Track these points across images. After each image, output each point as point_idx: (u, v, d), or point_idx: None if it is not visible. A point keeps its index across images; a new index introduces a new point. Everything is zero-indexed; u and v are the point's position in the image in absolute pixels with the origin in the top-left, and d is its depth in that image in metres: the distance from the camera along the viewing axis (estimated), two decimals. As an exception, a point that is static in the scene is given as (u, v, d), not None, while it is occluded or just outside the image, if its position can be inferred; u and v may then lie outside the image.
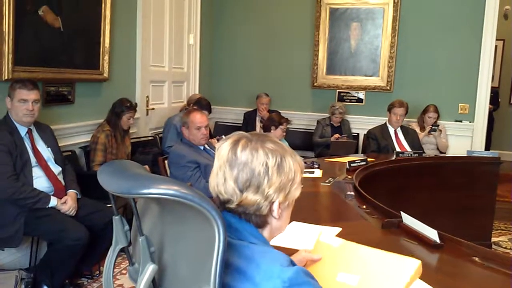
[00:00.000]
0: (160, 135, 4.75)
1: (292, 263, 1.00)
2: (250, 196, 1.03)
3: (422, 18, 5.40)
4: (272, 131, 4.09)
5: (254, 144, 1.05)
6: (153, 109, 4.82)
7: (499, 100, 7.88)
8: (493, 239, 4.19)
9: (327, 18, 5.68)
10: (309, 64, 5.80)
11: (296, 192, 1.10)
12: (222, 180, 1.05)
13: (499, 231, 4.48)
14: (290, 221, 2.02)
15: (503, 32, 7.16)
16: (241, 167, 1.03)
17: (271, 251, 1.00)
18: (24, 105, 2.73)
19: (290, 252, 1.19)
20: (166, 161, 3.30)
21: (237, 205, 1.04)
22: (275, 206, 1.06)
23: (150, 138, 4.65)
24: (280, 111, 5.25)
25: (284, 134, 4.26)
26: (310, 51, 5.77)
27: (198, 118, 3.23)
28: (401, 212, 2.06)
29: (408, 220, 2.00)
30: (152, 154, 4.13)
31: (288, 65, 5.91)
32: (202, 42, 5.72)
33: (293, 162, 1.08)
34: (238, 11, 6.01)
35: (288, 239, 1.86)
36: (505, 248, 4.14)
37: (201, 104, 4.39)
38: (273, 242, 1.13)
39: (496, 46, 5.96)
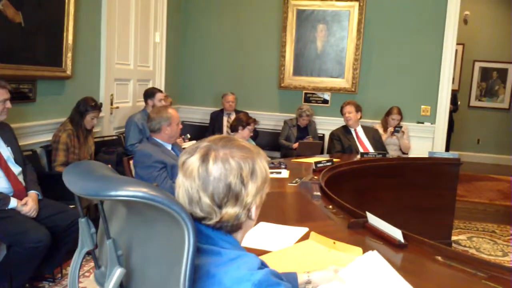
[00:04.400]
0: (124, 134, 4.66)
1: (263, 265, 0.99)
2: (230, 210, 1.01)
3: (386, 21, 5.52)
4: (239, 131, 4.08)
5: (223, 154, 1.02)
6: (117, 107, 4.73)
7: (458, 102, 8.16)
8: (453, 237, 4.33)
9: (294, 19, 5.72)
10: (276, 65, 5.83)
11: (268, 188, 1.10)
12: (196, 198, 1.00)
13: (459, 229, 4.63)
14: (258, 222, 2.04)
15: (463, 36, 7.42)
16: (216, 183, 1.00)
17: (242, 255, 0.99)
18: (3, 105, 2.70)
19: (258, 253, 1.18)
20: (131, 161, 3.24)
21: (217, 222, 1.02)
22: (253, 210, 1.06)
23: (114, 137, 4.56)
24: (248, 112, 5.26)
25: (251, 134, 4.26)
26: (277, 52, 5.80)
27: (176, 112, 3.22)
28: (367, 212, 2.09)
29: (373, 220, 2.03)
30: (116, 154, 4.04)
31: (255, 66, 5.93)
32: (169, 40, 5.65)
33: (262, 162, 1.07)
34: (205, 10, 5.98)
35: (256, 240, 1.86)
36: (464, 246, 4.29)
37: None
38: (242, 244, 1.13)
39: (456, 50, 6.17)
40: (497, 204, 5.90)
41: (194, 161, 1.02)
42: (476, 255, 3.96)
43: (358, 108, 4.63)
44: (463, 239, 4.47)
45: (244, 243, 1.13)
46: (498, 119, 8.59)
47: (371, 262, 1.25)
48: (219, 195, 1.00)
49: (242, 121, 4.14)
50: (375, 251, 1.27)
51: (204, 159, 1.01)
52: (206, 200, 1.00)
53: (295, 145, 5.20)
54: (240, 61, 5.96)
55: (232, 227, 1.05)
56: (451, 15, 5.34)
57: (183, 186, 1.02)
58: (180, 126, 3.24)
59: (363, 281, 1.24)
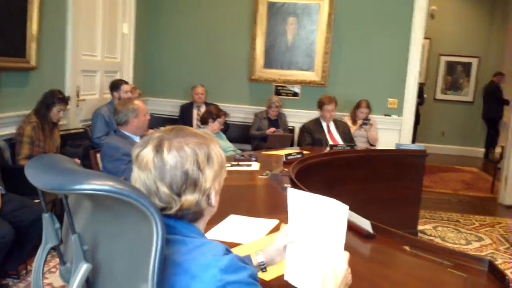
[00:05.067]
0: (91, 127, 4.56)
1: (228, 251, 1.00)
2: (189, 197, 1.01)
3: (356, 15, 5.58)
4: (209, 124, 4.06)
5: (177, 143, 1.02)
6: (84, 100, 4.62)
7: (425, 95, 8.34)
8: (419, 227, 4.44)
9: (265, 12, 5.71)
10: (246, 57, 5.81)
11: (225, 173, 1.11)
12: (154, 189, 1.00)
13: (424, 219, 4.75)
14: (228, 215, 2.03)
15: (430, 30, 7.58)
16: (173, 171, 1.00)
17: (207, 243, 1.00)
18: None
19: (229, 245, 1.18)
20: (97, 154, 3.18)
21: (177, 210, 1.02)
22: (212, 196, 1.06)
23: (80, 130, 4.45)
24: (218, 104, 5.22)
25: (222, 127, 4.25)
26: (248, 44, 5.78)
27: (142, 104, 3.17)
28: (336, 204, 2.11)
29: (342, 211, 2.05)
30: (82, 147, 3.96)
31: (226, 58, 5.89)
32: (137, 31, 5.55)
33: (217, 147, 1.08)
34: (175, 2, 5.89)
35: (226, 232, 1.85)
36: (430, 235, 4.41)
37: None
38: (213, 236, 1.12)
39: (423, 44, 6.30)
40: (461, 194, 6.09)
41: (148, 153, 1.02)
42: (441, 244, 4.08)
43: (337, 104, 4.73)
44: (429, 228, 4.59)
45: (214, 236, 1.13)
46: (463, 111, 8.84)
47: (297, 198, 1.26)
48: (177, 183, 1.00)
49: (212, 113, 4.11)
50: (290, 188, 1.29)
51: (158, 149, 1.01)
52: (164, 189, 1.00)
53: (270, 130, 5.20)
54: (211, 53, 5.91)
55: (194, 215, 1.05)
56: (418, 9, 5.43)
57: (139, 179, 1.02)
58: (148, 117, 3.19)
59: (304, 216, 1.25)
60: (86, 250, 0.87)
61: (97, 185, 0.82)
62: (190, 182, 1.01)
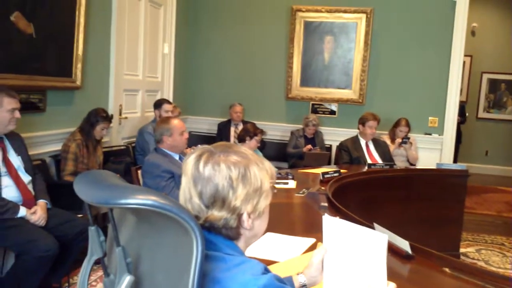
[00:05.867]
0: (133, 145, 4.69)
1: (267, 271, 1.01)
2: (216, 212, 1.03)
3: (393, 33, 5.54)
4: (246, 141, 4.10)
5: (216, 158, 1.04)
6: (126, 118, 4.77)
7: (466, 114, 8.13)
8: (461, 250, 4.29)
9: (302, 31, 5.76)
10: (283, 76, 5.86)
11: (266, 200, 1.09)
12: (188, 196, 1.05)
13: (467, 242, 4.59)
14: (265, 232, 2.04)
15: (471, 48, 7.42)
16: (205, 182, 1.03)
17: (246, 261, 1.01)
18: (12, 114, 2.72)
19: (265, 263, 1.19)
20: (139, 171, 3.26)
21: (204, 221, 1.04)
22: (245, 218, 1.06)
23: (122, 147, 4.59)
24: (255, 122, 5.27)
25: (259, 145, 4.28)
26: (285, 63, 5.84)
27: (179, 123, 3.23)
28: (374, 223, 2.09)
29: (380, 231, 2.03)
30: (124, 164, 4.07)
31: (263, 77, 5.96)
32: (177, 51, 5.71)
33: (259, 171, 1.07)
34: (214, 22, 6.04)
35: (262, 250, 1.86)
36: (473, 258, 4.25)
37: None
38: (249, 253, 1.13)
39: (464, 62, 6.17)
40: (505, 216, 5.85)
41: (190, 160, 1.07)
42: (484, 268, 3.92)
43: (379, 123, 4.70)
44: (472, 251, 4.43)
45: (250, 253, 1.14)
46: (506, 130, 8.54)
47: (333, 226, 1.22)
48: (206, 195, 1.03)
49: (249, 131, 4.15)
50: (325, 215, 1.25)
51: (199, 159, 1.06)
52: (195, 198, 1.04)
53: (307, 147, 5.20)
54: (248, 72, 6.00)
55: (228, 232, 1.06)
56: (458, 27, 5.35)
57: (183, 183, 1.08)
58: (186, 136, 3.24)
59: (341, 245, 1.21)
60: (129, 262, 0.91)
61: (141, 199, 0.85)
62: (218, 197, 1.03)
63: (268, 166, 1.12)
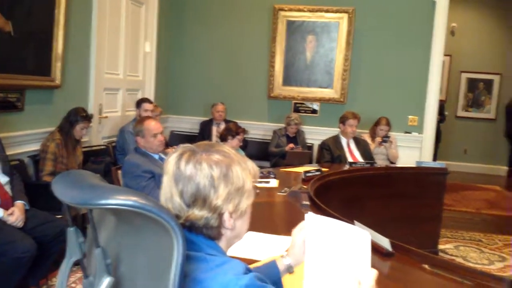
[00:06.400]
0: (113, 144, 4.64)
1: (248, 270, 1.01)
2: (197, 211, 1.03)
3: (375, 32, 5.60)
4: (229, 141, 4.10)
5: (198, 157, 1.04)
6: (106, 117, 4.72)
7: (446, 112, 8.26)
8: (440, 246, 4.36)
9: (284, 30, 5.78)
10: (265, 75, 5.87)
11: (248, 200, 1.09)
12: (169, 195, 1.04)
13: (446, 238, 4.66)
14: (247, 232, 2.04)
15: (450, 47, 7.54)
16: (186, 181, 1.02)
17: (227, 261, 1.01)
18: None
19: (246, 262, 1.19)
20: (119, 171, 3.23)
21: (185, 220, 1.03)
22: (226, 217, 1.05)
23: (102, 147, 4.54)
24: (237, 121, 5.28)
25: (241, 144, 4.28)
26: (267, 62, 5.85)
27: (153, 125, 3.18)
28: (354, 221, 2.11)
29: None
30: (104, 164, 4.03)
31: (245, 76, 5.96)
32: (159, 50, 5.67)
33: (241, 170, 1.07)
34: (195, 21, 6.01)
35: (244, 249, 1.86)
36: (451, 255, 4.32)
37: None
38: (231, 253, 1.13)
39: (444, 61, 6.26)
40: (483, 213, 5.97)
41: (172, 159, 1.06)
42: (463, 264, 3.99)
43: (359, 122, 4.75)
44: (450, 248, 4.50)
45: (231, 252, 1.14)
46: (485, 129, 8.71)
47: (316, 224, 1.23)
48: (187, 193, 1.02)
49: (232, 130, 4.15)
50: (308, 213, 1.26)
51: (180, 157, 1.05)
52: (176, 197, 1.03)
53: (289, 146, 5.22)
54: (230, 71, 5.99)
55: (208, 232, 1.05)
56: (438, 27, 5.43)
57: (164, 182, 1.07)
58: (160, 138, 3.16)
59: (324, 242, 1.21)
60: (109, 263, 0.90)
61: (121, 200, 0.85)
62: (199, 196, 1.02)
63: (251, 165, 1.12)
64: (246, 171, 1.09)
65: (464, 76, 8.81)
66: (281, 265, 1.32)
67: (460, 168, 8.19)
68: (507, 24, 8.48)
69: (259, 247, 1.93)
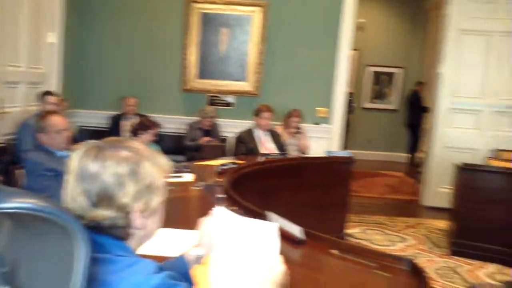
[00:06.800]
0: (14, 142, 4.32)
1: (160, 270, 0.99)
2: (103, 211, 0.99)
3: (288, 27, 5.74)
4: (141, 135, 3.99)
5: (104, 153, 1.00)
6: (6, 112, 4.37)
7: (354, 104, 8.72)
8: (349, 231, 4.61)
9: (198, 22, 5.72)
10: (179, 67, 5.79)
11: (159, 197, 1.07)
12: (73, 195, 0.99)
13: (353, 223, 4.92)
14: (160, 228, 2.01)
15: (359, 42, 7.94)
16: (91, 179, 0.98)
17: (138, 262, 0.99)
18: None
19: (159, 259, 1.18)
20: (19, 170, 3.01)
21: (90, 221, 0.99)
22: (135, 216, 1.02)
23: (2, 145, 4.21)
24: (150, 115, 5.16)
25: (154, 138, 4.19)
26: (180, 54, 5.76)
27: (58, 120, 2.99)
28: (266, 212, 2.17)
29: (274, 219, 2.11)
30: (3, 163, 3.75)
31: (158, 68, 5.83)
32: (65, 41, 5.34)
33: (152, 166, 1.04)
34: (106, 10, 5.75)
35: (157, 246, 1.83)
36: (358, 238, 4.59)
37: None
38: (140, 251, 1.11)
39: (353, 56, 6.58)
40: (386, 198, 6.42)
41: (76, 156, 1.01)
42: (368, 247, 4.27)
43: (273, 114, 4.85)
44: (358, 232, 4.78)
45: (143, 251, 1.12)
46: (388, 119, 9.33)
47: (224, 218, 1.27)
48: (92, 192, 0.98)
49: (144, 125, 4.06)
50: (216, 207, 1.30)
51: (85, 154, 1.00)
52: (80, 197, 0.99)
53: (204, 139, 5.21)
54: (143, 63, 5.83)
55: (116, 232, 1.02)
56: (345, 22, 5.68)
57: (67, 181, 1.01)
58: (64, 134, 3.00)
59: (232, 235, 1.24)
60: (5, 272, 0.84)
61: (18, 203, 0.80)
62: (105, 195, 0.98)
63: (163, 161, 1.10)
64: (156, 167, 1.06)
65: (371, 69, 9.35)
66: (190, 256, 1.31)
67: (366, 157, 8.70)
68: (411, 21, 9.14)
69: (173, 243, 1.91)
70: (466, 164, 4.40)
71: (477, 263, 4.08)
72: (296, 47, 5.76)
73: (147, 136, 4.02)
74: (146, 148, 1.10)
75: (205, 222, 1.31)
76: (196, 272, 1.27)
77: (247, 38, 5.75)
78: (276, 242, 1.18)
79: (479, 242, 4.15)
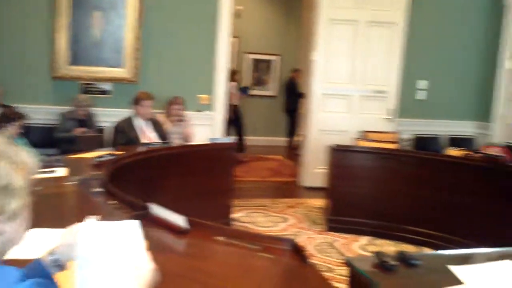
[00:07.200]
0: None
1: (27, 277, 0.90)
2: None
3: (166, 12, 5.58)
4: (5, 128, 3.61)
5: None
6: None
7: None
8: (235, 215, 4.71)
9: (68, 4, 5.29)
10: (47, 53, 5.32)
11: (20, 199, 0.95)
12: None
13: (239, 207, 5.03)
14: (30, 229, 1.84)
15: (238, 30, 8.04)
16: None
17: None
18: None
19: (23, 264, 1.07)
20: None
21: None
22: None
23: None
24: (17, 106, 4.68)
25: (21, 131, 3.82)
26: (49, 39, 5.29)
27: None
28: (148, 204, 2.10)
29: (156, 210, 2.05)
30: None
31: (23, 54, 5.29)
32: None
33: (8, 165, 0.93)
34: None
35: (27, 249, 1.67)
36: (244, 222, 4.71)
37: None
38: (10, 256, 1.00)
39: (233, 43, 6.64)
40: (268, 181, 6.67)
41: None
42: (253, 230, 4.40)
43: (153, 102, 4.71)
44: (243, 215, 4.90)
45: (9, 255, 1.01)
46: (268, 105, 9.66)
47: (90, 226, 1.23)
48: None
49: (7, 117, 3.68)
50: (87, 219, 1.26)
51: None
52: None
53: (79, 130, 4.89)
54: (5, 49, 5.24)
55: None
56: (223, 9, 5.70)
57: None
58: None
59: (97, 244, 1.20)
60: None
61: None
62: None
63: (24, 157, 0.97)
64: (15, 165, 0.94)
65: (250, 57, 9.55)
66: (48, 261, 1.20)
67: (249, 142, 8.92)
68: (286, 9, 9.49)
69: (46, 244, 1.76)
70: (338, 145, 4.73)
71: (351, 236, 4.44)
72: (175, 33, 5.64)
73: (12, 128, 3.65)
74: (4, 144, 0.97)
75: (68, 232, 1.22)
76: (60, 279, 1.18)
77: (123, 22, 5.48)
78: (140, 240, 1.15)
79: (351, 217, 4.52)
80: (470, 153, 4.47)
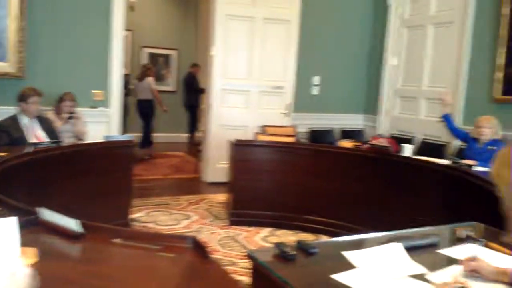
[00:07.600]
0: None
1: None
2: None
3: (54, 3, 5.22)
4: None
5: None
6: None
7: (131, 86, 8.54)
8: (134, 215, 4.57)
9: None
10: None
11: None
12: None
13: (139, 207, 4.90)
14: None
15: (132, 23, 7.77)
16: None
17: None
18: None
19: None
20: None
21: None
22: None
23: None
24: None
25: None
26: None
27: None
28: (37, 208, 1.96)
29: (46, 215, 1.92)
30: None
31: None
32: None
33: None
34: None
35: None
36: (143, 222, 4.59)
37: None
38: None
39: (126, 36, 6.39)
40: (170, 178, 6.58)
41: None
42: (152, 229, 4.32)
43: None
44: (143, 215, 4.77)
45: None
46: (168, 101, 9.44)
47: None
48: None
49: None
50: None
51: None
52: None
53: None
54: None
55: None
56: (116, 1, 5.47)
57: None
58: None
59: None
60: None
61: None
62: None
63: None
64: None
65: (146, 51, 9.29)
66: None
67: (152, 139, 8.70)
68: (183, 4, 9.38)
69: None
70: (238, 140, 4.80)
71: (253, 229, 4.54)
72: (66, 25, 5.30)
73: None
74: None
75: None
76: None
77: (5, 13, 5.03)
78: (16, 241, 1.08)
79: (253, 210, 4.63)
80: (360, 144, 4.80)
